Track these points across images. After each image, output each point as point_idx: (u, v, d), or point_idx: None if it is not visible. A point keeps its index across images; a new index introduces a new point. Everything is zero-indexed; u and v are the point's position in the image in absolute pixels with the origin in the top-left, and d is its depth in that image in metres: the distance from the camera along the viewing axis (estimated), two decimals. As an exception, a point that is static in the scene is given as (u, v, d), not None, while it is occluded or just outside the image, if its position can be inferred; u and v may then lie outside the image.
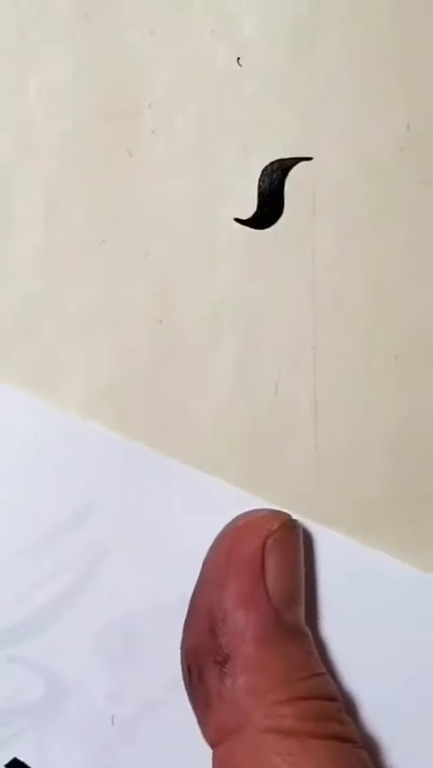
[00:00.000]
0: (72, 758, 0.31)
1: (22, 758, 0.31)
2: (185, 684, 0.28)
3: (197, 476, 0.30)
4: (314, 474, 0.30)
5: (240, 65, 0.30)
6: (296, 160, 0.30)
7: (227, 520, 0.29)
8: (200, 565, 0.29)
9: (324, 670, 0.29)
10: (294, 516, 0.30)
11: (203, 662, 0.28)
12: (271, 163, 0.30)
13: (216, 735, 0.28)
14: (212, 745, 0.28)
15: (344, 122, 0.29)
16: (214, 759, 0.28)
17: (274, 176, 0.30)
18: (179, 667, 0.29)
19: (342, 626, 0.30)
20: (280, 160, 0.30)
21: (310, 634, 0.29)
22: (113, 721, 0.31)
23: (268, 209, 0.30)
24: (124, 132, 0.30)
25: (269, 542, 0.28)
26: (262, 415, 0.30)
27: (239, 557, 0.28)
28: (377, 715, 0.30)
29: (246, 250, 0.30)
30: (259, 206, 0.30)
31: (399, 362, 0.30)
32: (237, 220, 0.30)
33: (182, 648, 0.29)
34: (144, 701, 0.30)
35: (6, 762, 0.31)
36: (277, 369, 0.30)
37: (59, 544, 0.30)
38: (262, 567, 0.28)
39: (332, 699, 0.28)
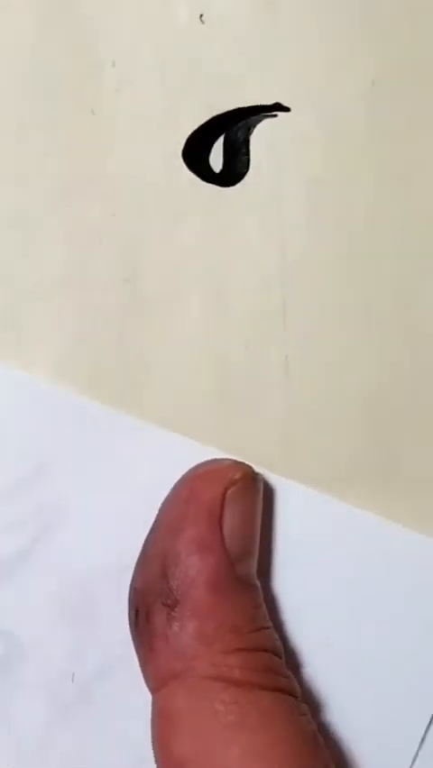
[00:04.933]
0: (33, 717, 0.30)
1: None
2: (130, 626, 0.28)
3: (152, 431, 0.30)
4: (285, 431, 0.30)
5: (203, 21, 0.30)
6: (261, 117, 0.30)
7: None
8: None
9: (271, 624, 0.29)
10: (263, 472, 0.30)
11: (151, 605, 0.27)
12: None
13: (157, 679, 0.27)
14: (152, 690, 0.28)
15: (309, 78, 0.29)
16: (153, 704, 0.27)
17: (239, 133, 0.30)
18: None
19: (294, 581, 0.30)
20: (246, 117, 0.30)
21: (260, 587, 0.29)
22: (73, 678, 0.30)
23: (234, 166, 0.30)
24: (88, 90, 0.30)
25: (229, 491, 0.28)
26: (233, 372, 0.30)
27: (198, 503, 0.28)
28: (318, 671, 0.30)
29: (213, 207, 0.30)
30: (225, 164, 0.30)
31: (370, 318, 0.30)
32: (203, 177, 0.30)
33: (131, 589, 0.28)
34: (104, 658, 0.30)
35: None
36: (247, 326, 0.30)
37: (11, 503, 0.30)
38: (221, 515, 0.28)
39: (277, 653, 0.28)
